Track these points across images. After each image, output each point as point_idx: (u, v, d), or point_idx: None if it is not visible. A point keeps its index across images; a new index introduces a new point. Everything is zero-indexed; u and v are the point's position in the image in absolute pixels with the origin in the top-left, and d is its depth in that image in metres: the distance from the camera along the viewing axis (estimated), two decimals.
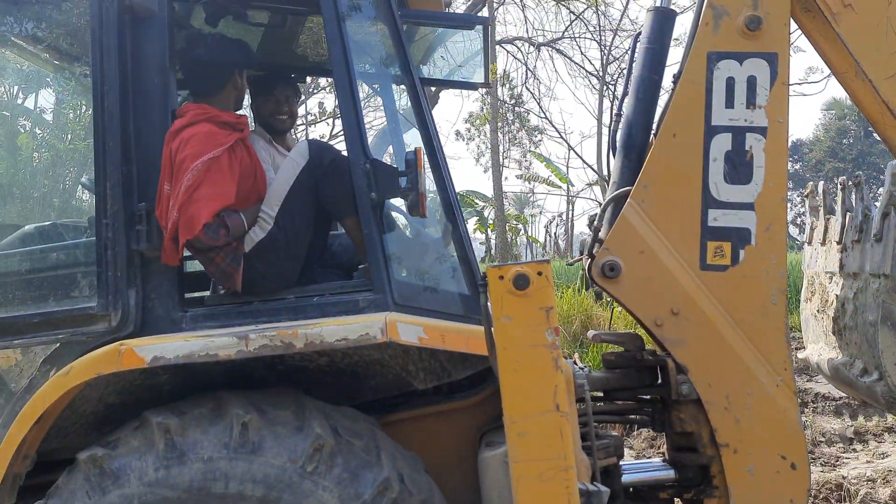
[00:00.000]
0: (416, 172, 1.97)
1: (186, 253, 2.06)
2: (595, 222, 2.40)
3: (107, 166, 1.98)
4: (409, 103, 2.32)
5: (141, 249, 1.97)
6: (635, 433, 4.72)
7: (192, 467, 1.76)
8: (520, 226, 28.85)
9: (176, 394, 1.99)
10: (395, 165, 2.11)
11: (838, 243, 2.68)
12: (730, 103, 2.25)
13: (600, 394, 2.44)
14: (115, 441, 1.84)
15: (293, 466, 1.76)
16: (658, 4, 2.49)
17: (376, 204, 2.00)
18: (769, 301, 2.23)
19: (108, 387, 2.01)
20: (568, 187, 24.47)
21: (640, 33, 2.51)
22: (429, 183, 2.12)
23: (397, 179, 2.01)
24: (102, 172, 1.99)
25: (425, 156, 2.08)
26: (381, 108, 3.20)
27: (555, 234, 27.81)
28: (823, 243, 2.85)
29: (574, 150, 16.68)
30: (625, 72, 2.72)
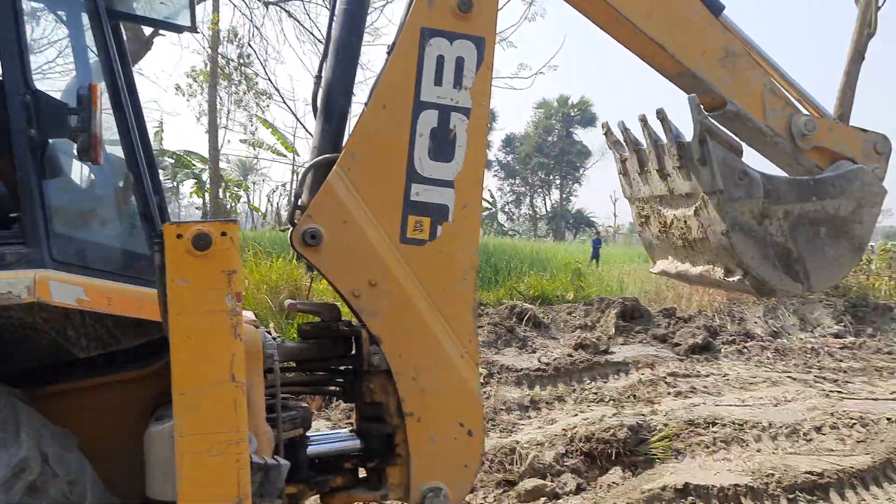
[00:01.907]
0: (90, 111, 1.71)
1: None
2: (296, 188, 2.34)
3: None
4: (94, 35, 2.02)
5: None
6: (334, 404, 4.77)
7: None
8: (241, 192, 27.86)
9: None
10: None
11: (658, 170, 2.88)
12: (438, 81, 2.29)
13: (293, 364, 2.38)
14: None
15: None
16: None
17: (37, 143, 1.72)
18: (461, 277, 2.33)
19: None
20: (294, 157, 24.03)
21: None
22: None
23: (66, 117, 1.74)
24: None
25: (105, 94, 1.82)
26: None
27: (277, 203, 27.22)
28: (641, 172, 3.03)
29: (299, 120, 16.37)
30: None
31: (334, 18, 2.43)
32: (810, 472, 3.72)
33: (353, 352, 2.36)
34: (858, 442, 4.37)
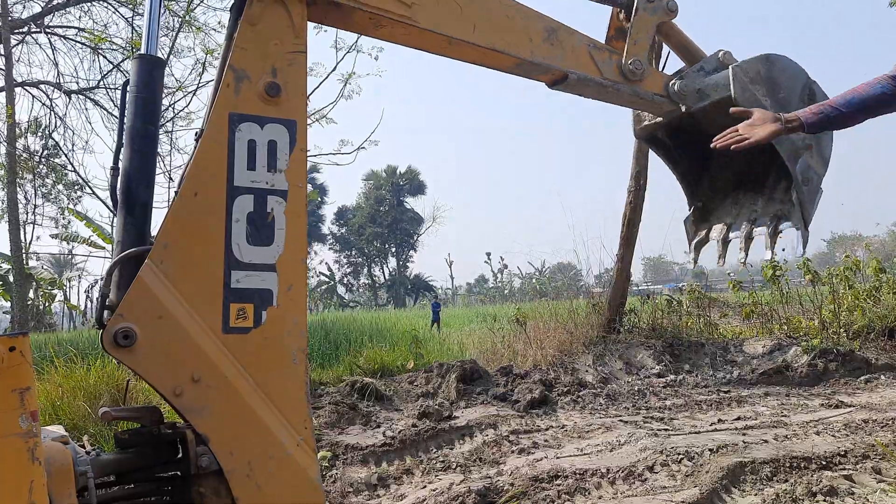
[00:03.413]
0: None
1: None
2: (101, 287, 2.20)
3: None
4: None
5: None
6: None
7: None
8: (56, 291, 25.87)
9: None
10: None
11: None
12: (251, 165, 2.28)
13: (112, 478, 2.20)
14: None
15: None
16: (143, 52, 2.40)
17: None
18: (291, 361, 2.28)
19: None
20: (112, 248, 22.68)
21: (127, 81, 2.38)
22: None
23: None
24: None
25: None
26: None
27: (97, 299, 25.43)
28: None
29: (113, 211, 15.51)
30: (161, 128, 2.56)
31: (126, 107, 2.34)
32: None
33: (180, 455, 2.21)
34: (687, 476, 4.66)
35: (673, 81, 3.51)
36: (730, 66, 3.40)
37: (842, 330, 10.47)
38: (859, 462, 4.77)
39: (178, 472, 2.23)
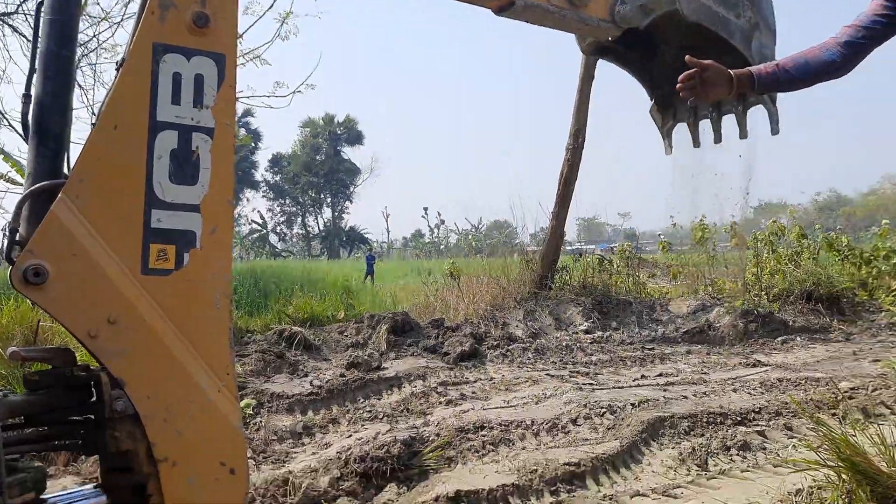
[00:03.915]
0: None
1: None
2: (10, 222, 2.08)
3: None
4: None
5: None
6: (83, 458, 4.33)
7: None
8: None
9: None
10: None
11: None
12: (176, 100, 2.16)
13: (20, 420, 2.12)
14: None
15: None
16: None
17: None
18: (213, 306, 2.21)
19: None
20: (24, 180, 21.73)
21: (42, 3, 2.22)
22: None
23: None
24: None
25: None
26: None
27: (7, 234, 24.41)
28: None
29: (25, 139, 14.82)
30: (82, 58, 2.40)
31: (40, 29, 2.20)
32: (569, 464, 4.03)
33: (94, 399, 2.14)
34: (608, 429, 4.82)
35: (618, 9, 3.44)
36: None
37: (763, 292, 10.90)
38: (772, 419, 5.02)
39: (92, 416, 2.17)
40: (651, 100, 4.20)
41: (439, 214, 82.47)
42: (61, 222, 2.00)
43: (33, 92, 2.18)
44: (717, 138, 3.88)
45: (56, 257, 1.98)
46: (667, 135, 4.13)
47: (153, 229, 2.11)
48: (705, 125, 4.02)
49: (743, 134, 3.85)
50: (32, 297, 1.98)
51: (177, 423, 2.11)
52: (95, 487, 2.23)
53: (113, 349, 2.03)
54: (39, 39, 2.19)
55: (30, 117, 2.17)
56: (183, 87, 2.17)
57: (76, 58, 2.29)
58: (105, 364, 2.03)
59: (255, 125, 68.26)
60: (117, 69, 2.18)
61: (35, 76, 2.18)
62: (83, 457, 4.36)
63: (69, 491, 2.28)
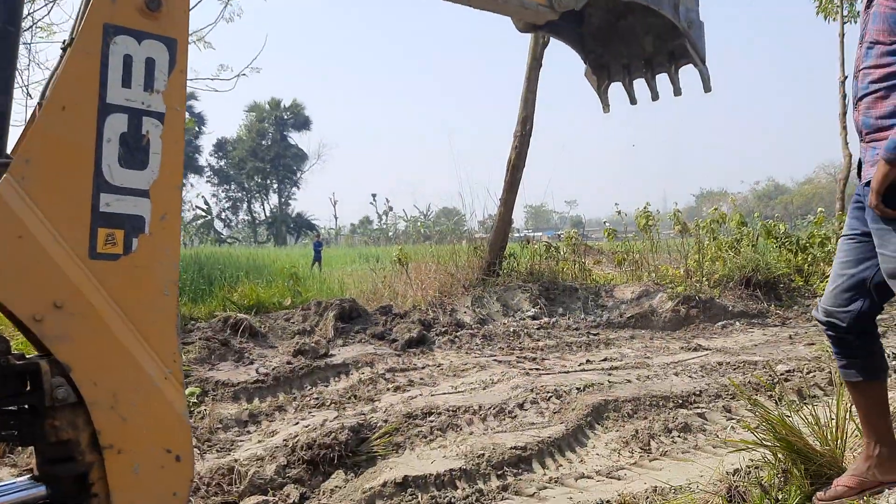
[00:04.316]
0: None
1: None
2: None
3: None
4: None
5: None
6: (20, 449, 4.23)
7: None
8: None
9: None
10: None
11: None
12: (127, 83, 2.15)
13: None
14: None
15: None
16: None
17: None
18: (161, 292, 2.21)
19: None
20: None
21: None
22: None
23: None
24: None
25: None
26: None
27: None
28: None
29: None
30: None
31: None
32: (515, 448, 4.11)
33: (30, 388, 2.10)
34: (554, 413, 4.92)
35: None
36: None
37: (704, 278, 11.22)
38: (712, 401, 5.19)
39: (27, 406, 2.12)
40: (585, 63, 4.35)
41: (387, 201, 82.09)
42: (6, 203, 1.96)
43: None
44: (654, 96, 4.19)
45: (0, 240, 1.94)
46: (603, 94, 4.31)
47: (101, 213, 2.10)
48: (640, 83, 4.32)
49: (677, 91, 4.09)
50: None
51: (122, 409, 2.10)
52: (31, 479, 2.19)
53: (58, 334, 2.01)
54: None
55: None
56: (133, 70, 2.15)
57: (20, 35, 2.23)
58: (50, 349, 2.00)
59: (199, 109, 66.73)
60: (63, 49, 2.15)
61: None
62: (19, 448, 4.26)
63: (5, 483, 2.24)
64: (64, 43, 2.18)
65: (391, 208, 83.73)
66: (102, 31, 2.09)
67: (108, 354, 2.08)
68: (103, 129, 2.10)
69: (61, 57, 2.14)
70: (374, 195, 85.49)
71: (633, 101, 4.28)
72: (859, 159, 2.73)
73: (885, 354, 2.86)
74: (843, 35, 16.83)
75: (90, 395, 2.03)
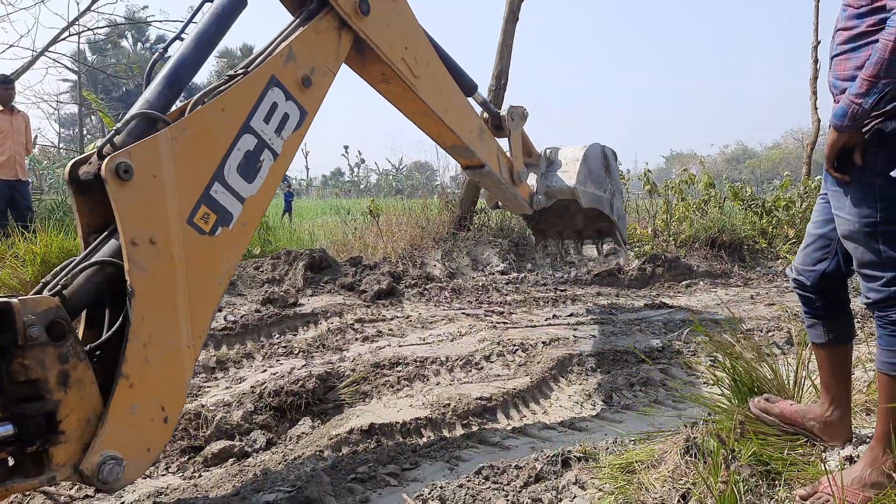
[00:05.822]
0: None
1: None
2: (118, 125, 2.58)
3: None
4: None
5: None
6: None
7: None
8: None
9: None
10: None
11: None
12: (267, 120, 2.85)
13: None
14: None
15: None
16: None
17: None
18: (217, 278, 2.68)
19: None
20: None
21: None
22: None
23: None
24: None
25: None
26: None
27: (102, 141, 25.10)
28: None
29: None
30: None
31: (204, 13, 2.92)
32: (481, 398, 4.19)
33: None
34: (520, 366, 5.02)
35: (536, 198, 5.56)
36: (572, 187, 5.53)
37: (671, 238, 11.37)
38: (674, 357, 5.30)
39: None
40: (527, 227, 7.55)
41: (360, 153, 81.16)
42: (159, 146, 2.45)
43: (177, 51, 2.83)
44: (580, 257, 5.67)
45: (143, 169, 2.40)
46: (540, 249, 6.09)
47: (209, 195, 2.64)
48: (570, 244, 6.40)
49: (602, 258, 5.89)
50: (111, 187, 2.32)
51: (150, 352, 2.41)
52: None
53: (143, 264, 2.39)
54: (200, 19, 2.90)
55: (166, 66, 2.79)
56: (274, 115, 2.88)
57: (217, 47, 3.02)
58: (129, 271, 2.35)
59: (168, 53, 65.23)
60: (232, 74, 2.90)
61: (182, 46, 2.84)
62: None
63: None
64: (242, 68, 2.92)
65: (363, 161, 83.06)
66: (269, 79, 2.84)
67: (164, 302, 2.48)
68: (238, 141, 2.73)
69: (230, 77, 2.86)
70: (346, 147, 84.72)
71: (562, 257, 6.21)
72: None
73: (854, 321, 2.91)
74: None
75: (136, 324, 2.36)
